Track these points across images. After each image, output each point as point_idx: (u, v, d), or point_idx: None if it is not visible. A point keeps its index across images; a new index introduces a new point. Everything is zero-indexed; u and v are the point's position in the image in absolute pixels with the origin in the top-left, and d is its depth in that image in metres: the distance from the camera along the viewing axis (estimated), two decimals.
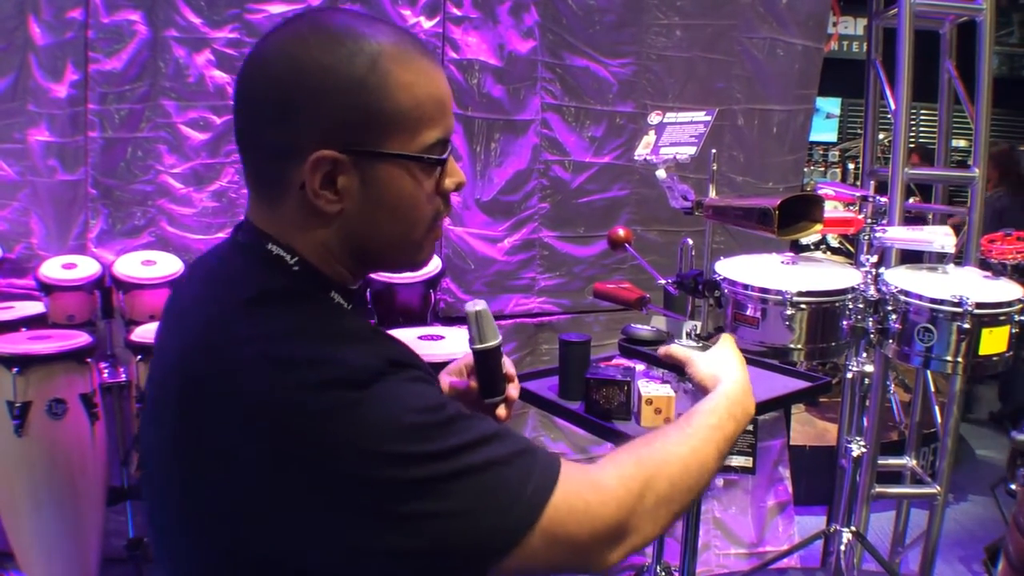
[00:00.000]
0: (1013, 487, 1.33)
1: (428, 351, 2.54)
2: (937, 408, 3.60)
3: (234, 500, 0.84)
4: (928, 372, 3.55)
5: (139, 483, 2.94)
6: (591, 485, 0.93)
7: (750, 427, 1.43)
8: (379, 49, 0.91)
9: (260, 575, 0.86)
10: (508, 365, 1.26)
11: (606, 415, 2.02)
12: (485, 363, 1.23)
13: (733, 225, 1.48)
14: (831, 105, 9.48)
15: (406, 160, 0.93)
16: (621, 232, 1.79)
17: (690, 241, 1.84)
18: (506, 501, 0.86)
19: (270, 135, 0.93)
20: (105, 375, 2.98)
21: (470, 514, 0.84)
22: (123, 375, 3.00)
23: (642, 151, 1.72)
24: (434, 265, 3.00)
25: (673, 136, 1.67)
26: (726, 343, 1.31)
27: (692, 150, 1.63)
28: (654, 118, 1.76)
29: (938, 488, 3.32)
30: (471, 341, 1.21)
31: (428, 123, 0.94)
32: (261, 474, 0.82)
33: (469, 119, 3.17)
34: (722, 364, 1.27)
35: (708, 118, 1.65)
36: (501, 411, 1.24)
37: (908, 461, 3.58)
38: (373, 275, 2.90)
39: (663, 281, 1.62)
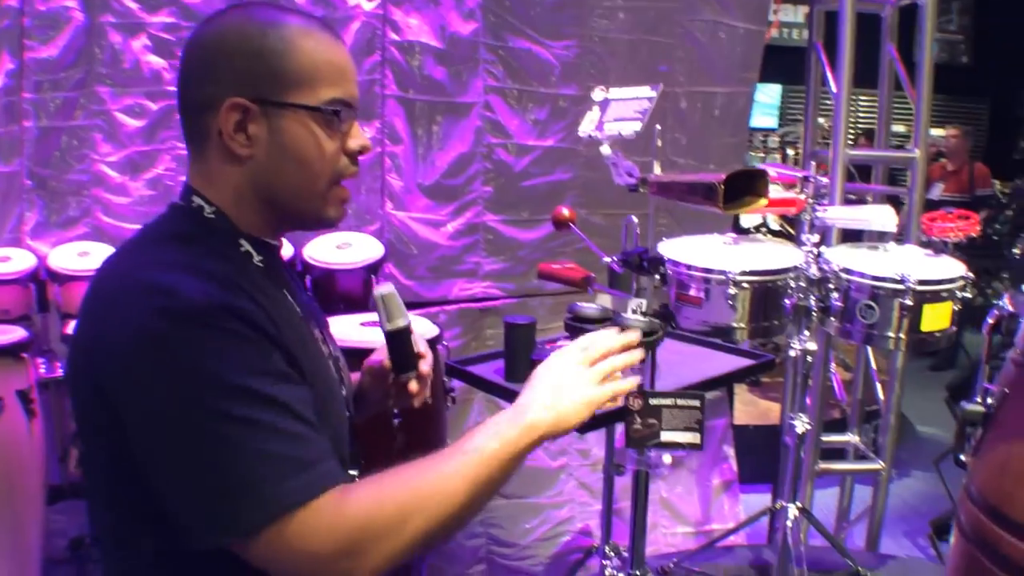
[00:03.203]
0: (963, 457, 1.35)
1: (371, 338, 2.49)
2: (879, 385, 3.66)
3: (96, 409, 1.02)
4: (869, 350, 3.61)
5: (79, 479, 2.87)
6: (333, 515, 0.99)
7: (696, 403, 1.42)
8: (288, 23, 1.09)
9: (134, 482, 1.00)
10: (421, 344, 1.37)
11: None
12: (395, 342, 1.31)
13: (678, 201, 1.46)
14: (771, 92, 9.56)
15: (306, 112, 1.07)
16: (565, 212, 1.77)
17: (635, 219, 1.83)
18: (249, 491, 0.95)
19: (195, 92, 1.10)
20: (42, 371, 2.88)
21: (214, 480, 0.95)
22: (60, 370, 2.90)
23: (586, 127, 1.70)
24: (375, 250, 2.96)
25: (617, 112, 1.65)
26: (557, 355, 1.26)
27: (637, 125, 1.62)
28: (598, 94, 1.74)
29: (882, 464, 3.37)
30: (380, 324, 1.29)
31: (326, 83, 1.09)
32: (104, 378, 0.99)
33: (410, 102, 3.12)
34: (536, 376, 1.23)
35: (653, 93, 1.63)
36: (412, 385, 1.34)
37: (851, 438, 3.63)
38: (313, 261, 2.86)
39: (608, 259, 1.60)
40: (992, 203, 6.55)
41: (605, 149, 1.65)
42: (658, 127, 1.71)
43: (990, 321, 1.32)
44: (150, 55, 3.04)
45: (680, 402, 1.42)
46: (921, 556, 3.81)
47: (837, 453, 3.68)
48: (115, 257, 1.10)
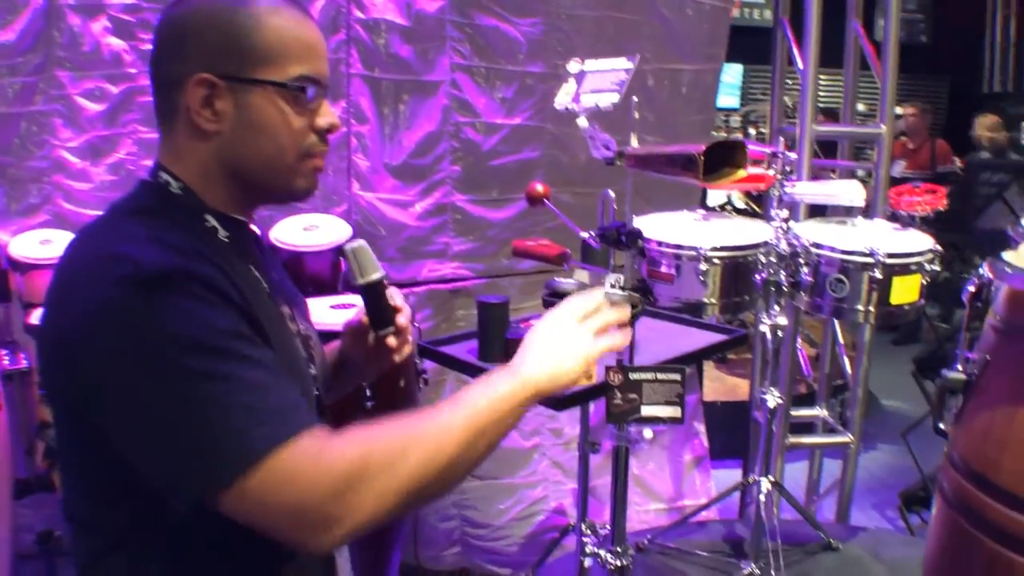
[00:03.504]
0: (942, 426, 1.36)
1: (341, 320, 2.46)
2: (846, 360, 3.70)
3: (62, 373, 1.03)
4: (836, 324, 3.64)
5: (46, 472, 2.82)
6: (315, 457, 0.98)
7: (677, 377, 1.41)
8: (257, 1, 1.10)
9: (107, 463, 1.02)
10: (396, 297, 1.37)
11: None
12: (370, 297, 1.31)
13: (657, 173, 1.45)
14: (733, 72, 9.58)
15: (273, 88, 1.09)
16: (539, 188, 1.75)
17: (611, 192, 1.82)
18: (222, 443, 0.94)
19: (165, 69, 1.12)
20: (5, 362, 2.80)
21: (188, 436, 0.95)
22: (24, 361, 2.82)
23: (562, 99, 1.68)
24: (343, 232, 2.91)
25: (594, 84, 1.64)
26: (549, 315, 1.26)
27: (615, 97, 1.60)
28: (574, 66, 1.72)
29: (851, 437, 3.41)
30: (353, 278, 1.29)
31: (294, 59, 1.10)
32: (72, 352, 0.99)
33: (376, 80, 3.07)
34: (529, 336, 1.23)
35: (630, 65, 1.62)
36: (391, 340, 1.35)
37: (820, 412, 3.66)
38: (280, 244, 2.82)
39: (584, 234, 1.59)
40: (953, 179, 6.63)
41: (582, 122, 1.64)
42: (635, 99, 1.69)
43: (970, 289, 1.33)
44: (110, 37, 2.95)
45: (660, 376, 1.42)
46: (890, 527, 3.87)
47: (805, 427, 3.71)
48: (79, 238, 1.10)
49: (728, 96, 9.53)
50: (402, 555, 3.35)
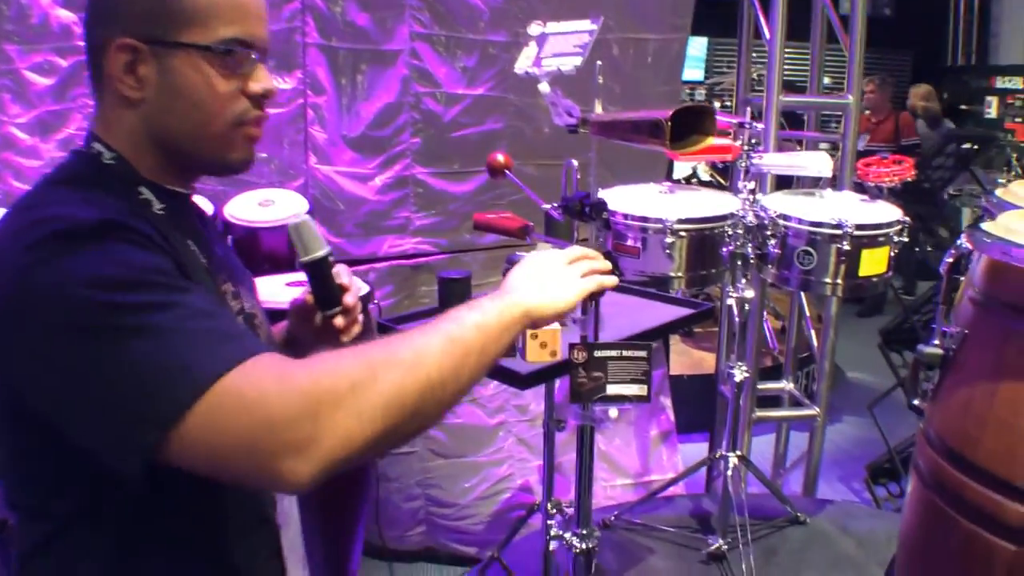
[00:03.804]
0: (916, 402, 1.32)
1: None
2: (813, 333, 3.69)
3: None
4: (803, 297, 3.62)
5: None
6: (278, 375, 0.88)
7: (643, 354, 1.36)
8: None
9: (35, 429, 0.95)
10: (343, 275, 1.31)
11: None
12: (315, 275, 1.26)
13: (621, 141, 1.39)
14: (697, 45, 9.54)
15: (198, 52, 1.03)
16: (500, 158, 1.68)
17: (575, 162, 1.75)
18: (169, 374, 0.85)
19: (92, 34, 1.07)
20: None
21: (133, 376, 0.85)
22: None
23: (523, 63, 1.61)
24: (300, 207, 2.82)
25: (556, 47, 1.56)
26: (533, 254, 1.25)
27: (577, 60, 1.53)
28: (535, 28, 1.64)
29: (817, 410, 3.40)
30: (297, 255, 1.24)
31: (222, 21, 1.04)
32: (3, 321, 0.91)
33: (333, 50, 2.97)
34: (513, 271, 1.21)
35: (593, 27, 1.55)
36: (338, 321, 1.28)
37: (786, 385, 3.65)
38: (235, 220, 2.72)
39: (547, 206, 1.53)
40: (919, 152, 6.66)
41: (543, 87, 1.57)
42: (599, 63, 1.62)
43: (948, 260, 1.28)
44: (58, 9, 2.86)
45: (626, 353, 1.36)
46: (857, 500, 3.88)
47: (772, 401, 3.70)
48: (7, 211, 1.02)
49: (693, 69, 9.50)
50: (366, 535, 3.31)
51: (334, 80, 3.00)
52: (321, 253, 1.24)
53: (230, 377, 0.85)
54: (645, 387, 1.36)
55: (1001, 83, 8.75)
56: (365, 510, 2.78)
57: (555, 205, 1.49)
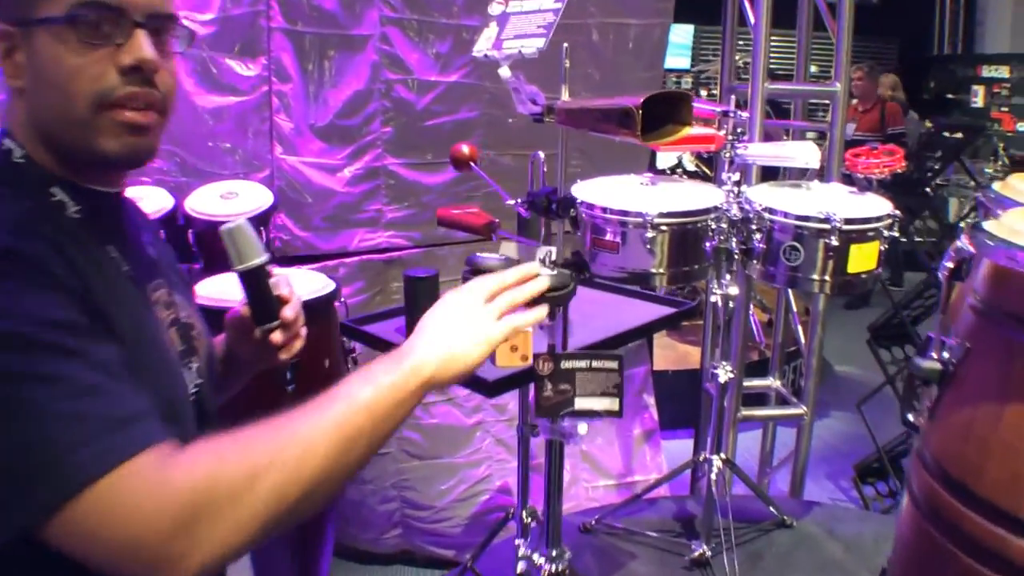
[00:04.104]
0: (911, 418, 1.20)
1: None
2: (800, 327, 3.59)
3: None
4: (790, 291, 3.53)
5: None
6: (157, 483, 0.81)
7: (614, 365, 1.24)
8: None
9: None
10: (283, 285, 1.20)
11: None
12: (251, 285, 1.15)
13: (590, 131, 1.26)
14: (683, 32, 9.47)
15: (57, 26, 0.92)
16: (465, 149, 1.55)
17: (541, 155, 1.63)
18: (37, 467, 0.77)
19: None
20: None
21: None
22: None
23: (482, 45, 1.48)
24: (264, 199, 2.69)
25: (518, 27, 1.44)
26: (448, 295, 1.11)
27: (540, 42, 1.41)
28: (496, 7, 1.52)
29: (804, 408, 3.31)
30: (230, 263, 1.14)
31: None
32: None
33: (299, 34, 2.84)
34: (422, 320, 1.08)
35: (558, 5, 1.42)
36: (276, 337, 1.19)
37: (773, 382, 3.56)
38: (195, 214, 2.60)
39: (512, 202, 1.40)
40: (904, 142, 6.61)
41: (504, 71, 1.44)
42: (565, 45, 1.49)
43: (948, 265, 1.16)
44: None
45: (596, 364, 1.24)
46: (844, 499, 3.84)
47: (758, 398, 3.61)
48: None
49: (679, 57, 9.48)
50: (340, 537, 3.23)
51: (300, 66, 2.88)
52: (258, 261, 1.14)
53: (105, 482, 0.79)
54: (616, 401, 1.24)
55: (987, 72, 8.73)
56: (332, 515, 2.67)
57: (519, 201, 1.37)
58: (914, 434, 1.23)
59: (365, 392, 0.93)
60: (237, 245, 1.13)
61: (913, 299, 3.66)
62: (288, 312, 1.20)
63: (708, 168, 5.83)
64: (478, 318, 1.05)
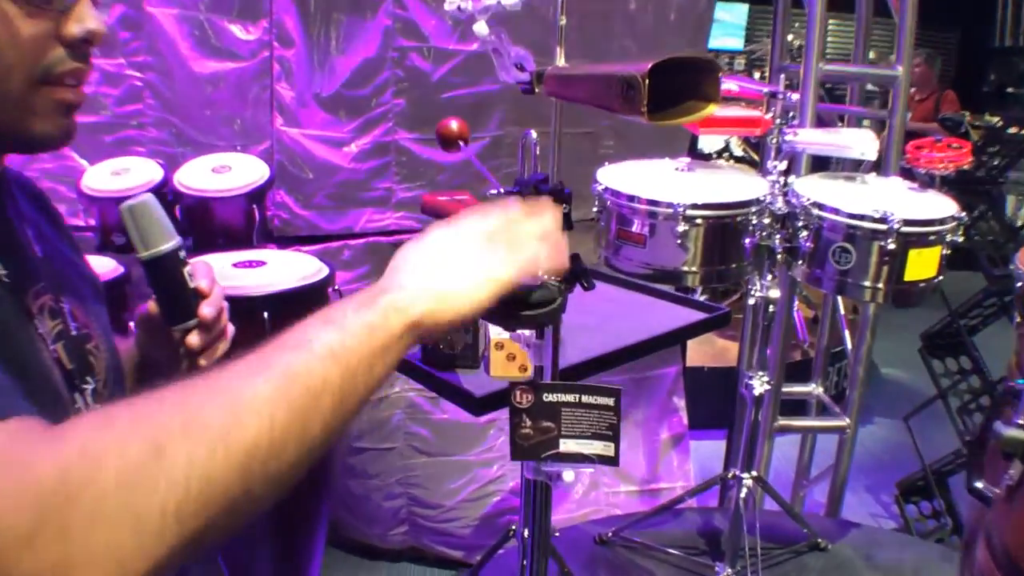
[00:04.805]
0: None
1: (240, 282, 2.05)
2: (847, 329, 3.34)
3: None
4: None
5: None
6: (14, 463, 0.57)
7: (610, 403, 1.00)
8: None
9: None
10: (200, 276, 0.99)
11: (449, 363, 1.70)
12: (159, 277, 0.97)
13: (587, 104, 1.01)
14: (737, 11, 9.28)
15: None
16: (454, 125, 1.31)
17: (533, 134, 1.39)
18: None
19: None
20: None
21: None
22: None
23: None
24: (259, 173, 2.51)
25: None
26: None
27: None
28: None
29: (847, 420, 3.06)
30: (133, 249, 0.95)
31: None
32: None
33: None
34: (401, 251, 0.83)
35: None
36: (192, 339, 0.98)
37: (815, 389, 3.32)
38: (184, 188, 2.43)
39: (495, 191, 1.16)
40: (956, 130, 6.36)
41: (480, 27, 1.19)
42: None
43: (1022, 286, 0.90)
44: None
45: (587, 399, 0.99)
46: (884, 515, 3.63)
47: (798, 404, 3.39)
48: None
49: (732, 37, 9.39)
50: (344, 529, 3.17)
51: (304, 31, 2.71)
52: (165, 248, 0.94)
53: None
54: (611, 445, 0.99)
55: None
56: (323, 495, 2.48)
57: (503, 190, 1.13)
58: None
59: (329, 333, 0.70)
60: (140, 227, 0.93)
61: (971, 308, 3.39)
62: (207, 310, 0.97)
63: (758, 153, 5.53)
64: (479, 251, 0.81)
